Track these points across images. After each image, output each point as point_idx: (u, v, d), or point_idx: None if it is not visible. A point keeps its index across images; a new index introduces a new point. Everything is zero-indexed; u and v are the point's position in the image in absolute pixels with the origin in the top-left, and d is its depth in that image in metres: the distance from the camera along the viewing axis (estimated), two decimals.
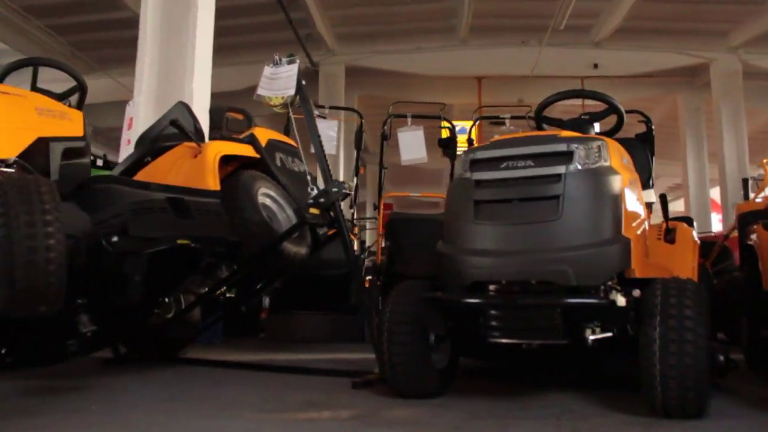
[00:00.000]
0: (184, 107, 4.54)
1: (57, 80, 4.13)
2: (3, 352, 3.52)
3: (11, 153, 2.99)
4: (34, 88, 3.88)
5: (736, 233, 4.63)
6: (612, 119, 3.65)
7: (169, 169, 4.03)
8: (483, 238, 2.91)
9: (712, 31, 12.12)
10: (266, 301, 6.59)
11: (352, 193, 4.02)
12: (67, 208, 2.86)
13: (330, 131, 5.74)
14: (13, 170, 3.05)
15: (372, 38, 12.85)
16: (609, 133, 3.65)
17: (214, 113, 5.24)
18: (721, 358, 2.85)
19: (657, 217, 3.75)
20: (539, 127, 3.93)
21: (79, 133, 3.49)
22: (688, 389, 2.55)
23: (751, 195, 8.54)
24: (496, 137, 3.27)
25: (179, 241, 3.25)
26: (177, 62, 5.85)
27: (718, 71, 12.62)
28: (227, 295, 4.90)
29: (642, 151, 4.49)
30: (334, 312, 6.24)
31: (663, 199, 4.12)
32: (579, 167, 2.87)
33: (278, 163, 4.46)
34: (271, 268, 3.99)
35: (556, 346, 3.04)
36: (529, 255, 2.79)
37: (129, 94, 9.95)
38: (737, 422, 2.69)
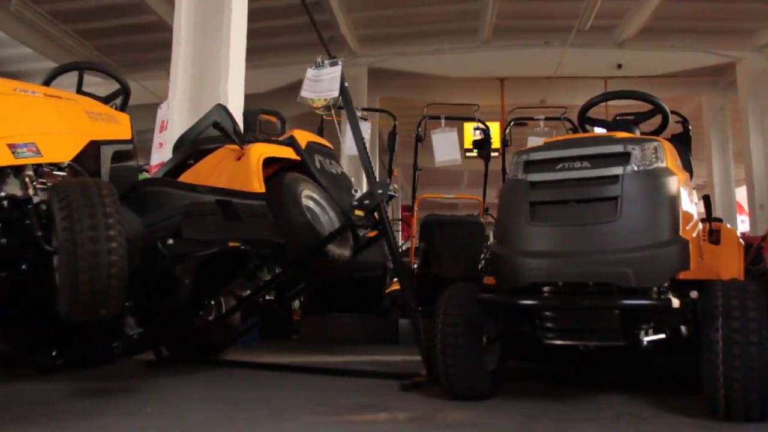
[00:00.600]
0: (223, 109, 4.55)
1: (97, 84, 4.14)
2: (54, 354, 3.57)
3: (67, 156, 2.99)
4: (80, 91, 3.90)
5: None
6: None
7: (212, 172, 4.03)
8: (540, 239, 2.89)
9: (739, 30, 12.01)
10: (296, 302, 6.59)
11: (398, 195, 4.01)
12: (120, 211, 2.86)
13: (363, 133, 5.70)
14: (65, 173, 3.08)
15: (394, 40, 12.85)
16: (652, 134, 3.63)
17: (248, 115, 5.23)
18: None
19: None
20: (582, 129, 3.91)
21: (128, 136, 3.50)
22: (752, 392, 2.53)
23: None
24: (548, 139, 3.25)
25: (230, 244, 3.26)
26: (211, 65, 5.88)
27: (744, 70, 12.49)
28: (266, 297, 4.89)
29: (684, 151, 4.45)
30: (367, 314, 6.23)
31: (707, 201, 4.09)
32: (636, 168, 2.85)
33: (317, 165, 4.46)
34: (315, 270, 3.98)
35: (607, 348, 3.03)
36: (587, 256, 2.77)
37: (154, 98, 10.04)
38: None
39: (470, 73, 13.44)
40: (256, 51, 10.93)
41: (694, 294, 2.81)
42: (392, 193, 3.88)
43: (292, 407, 2.94)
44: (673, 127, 4.71)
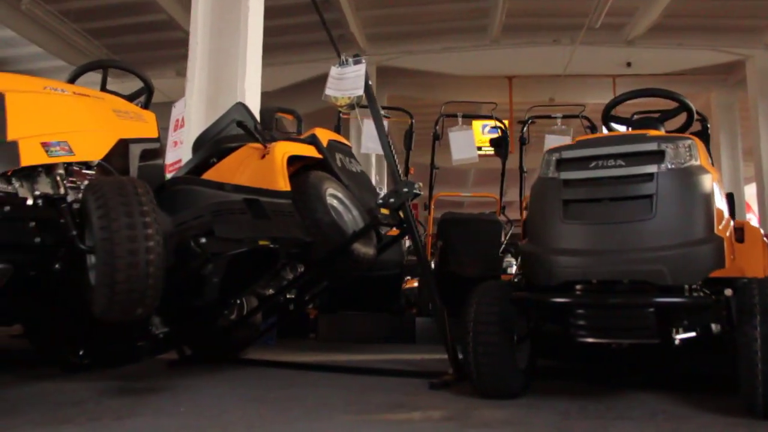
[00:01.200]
0: (243, 108, 4.54)
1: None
2: (81, 353, 3.57)
3: (99, 155, 2.99)
4: (103, 89, 3.89)
5: None
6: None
7: (235, 170, 4.01)
8: (573, 237, 2.88)
9: (748, 27, 11.97)
10: None
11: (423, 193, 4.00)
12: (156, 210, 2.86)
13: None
14: (92, 172, 3.08)
15: (403, 38, 12.83)
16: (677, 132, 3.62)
17: (265, 114, 5.23)
18: None
19: None
20: (606, 127, 3.90)
21: (155, 134, 3.50)
22: None
23: None
24: (580, 137, 3.23)
25: (260, 242, 3.25)
26: (228, 63, 5.89)
27: (754, 68, 12.46)
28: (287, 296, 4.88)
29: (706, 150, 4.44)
30: (384, 313, 6.22)
31: (730, 198, 4.06)
32: (670, 166, 2.84)
33: (339, 163, 4.45)
34: (340, 269, 3.97)
35: (636, 347, 3.03)
36: (623, 254, 2.76)
37: (164, 97, 10.02)
38: None
39: (479, 72, 13.43)
40: (264, 49, 10.96)
41: (728, 292, 2.80)
42: (417, 191, 3.87)
43: (325, 406, 2.93)
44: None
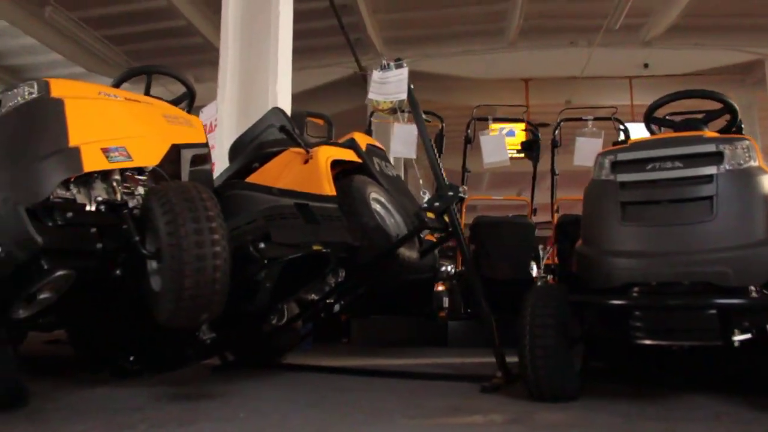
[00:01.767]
0: (281, 112, 4.54)
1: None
2: (131, 359, 3.58)
3: (155, 160, 3.00)
4: (147, 95, 3.90)
5: None
6: None
7: (278, 175, 4.02)
8: (632, 239, 2.89)
9: (767, 26, 11.93)
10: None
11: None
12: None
13: (409, 135, 5.70)
14: (144, 178, 3.09)
15: (420, 42, 12.83)
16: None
17: (295, 118, 5.24)
18: None
19: None
20: (648, 129, 3.88)
21: (203, 139, 3.51)
22: None
23: None
24: (634, 140, 3.23)
25: (314, 247, 3.25)
26: (259, 67, 5.90)
27: None
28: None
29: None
30: (416, 316, 6.22)
31: None
32: (729, 167, 2.84)
33: (377, 167, 4.45)
34: (385, 273, 3.97)
35: (692, 349, 3.02)
36: (685, 256, 2.77)
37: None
38: None
39: (495, 75, 13.41)
40: None
41: None
42: (463, 195, 3.87)
43: (384, 411, 2.93)
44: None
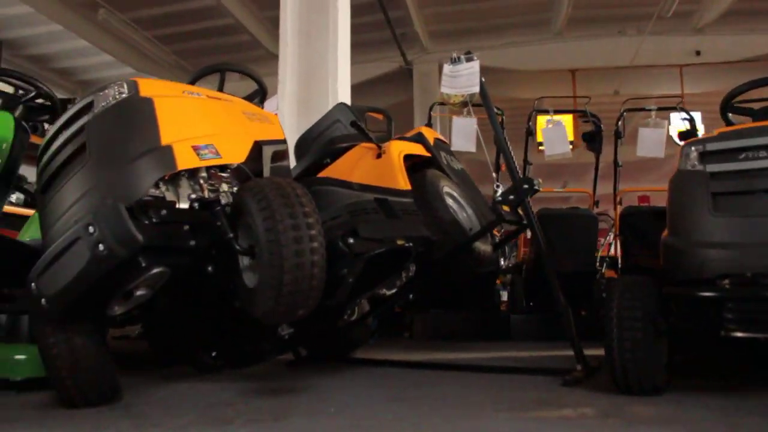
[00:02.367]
0: (347, 108, 4.57)
1: None
2: (213, 354, 3.63)
3: (241, 157, 3.02)
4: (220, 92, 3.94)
5: None
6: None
7: (351, 170, 4.04)
8: (725, 230, 2.84)
9: None
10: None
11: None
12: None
13: (469, 129, 5.69)
14: (227, 175, 3.11)
15: (466, 35, 12.77)
16: None
17: (356, 113, 5.26)
18: None
19: None
20: (725, 119, 3.82)
21: (281, 135, 3.53)
22: None
23: None
24: (721, 129, 3.17)
25: (398, 242, 3.26)
26: (319, 64, 5.92)
27: None
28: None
29: None
30: (478, 310, 6.20)
31: None
32: None
33: (444, 162, 4.45)
34: (461, 267, 3.96)
35: None
36: None
37: None
38: None
39: (542, 66, 13.30)
40: None
41: None
42: (537, 188, 3.84)
43: (474, 405, 2.92)
44: None
